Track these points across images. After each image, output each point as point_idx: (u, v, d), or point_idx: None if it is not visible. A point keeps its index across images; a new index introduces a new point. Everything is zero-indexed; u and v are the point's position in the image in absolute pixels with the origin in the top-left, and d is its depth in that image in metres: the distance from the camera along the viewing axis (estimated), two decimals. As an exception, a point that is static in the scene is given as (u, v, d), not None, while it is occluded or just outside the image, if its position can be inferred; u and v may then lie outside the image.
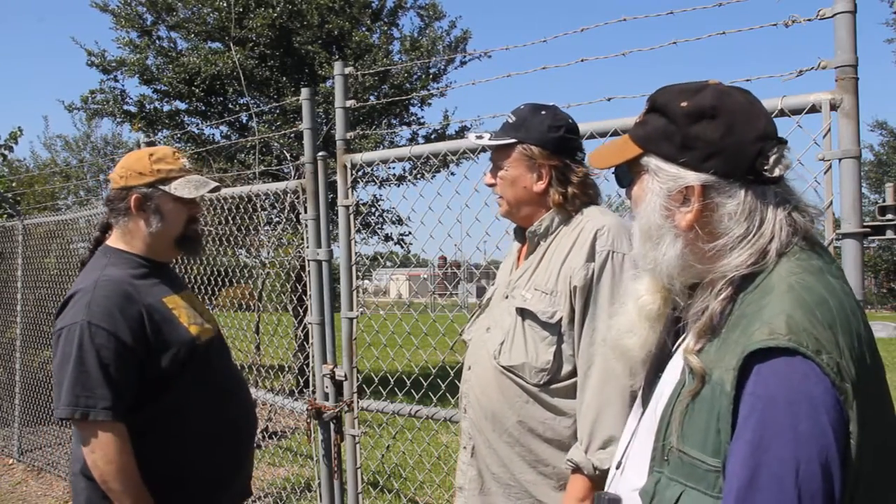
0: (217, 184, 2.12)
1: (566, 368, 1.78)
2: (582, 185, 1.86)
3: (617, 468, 1.30)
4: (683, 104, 1.10)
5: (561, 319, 1.78)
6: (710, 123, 1.08)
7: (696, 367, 1.04)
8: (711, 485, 1.01)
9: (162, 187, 2.04)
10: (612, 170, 1.25)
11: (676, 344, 1.22)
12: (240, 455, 2.11)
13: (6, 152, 8.11)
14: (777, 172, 1.07)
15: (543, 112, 1.89)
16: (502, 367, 1.83)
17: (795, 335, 0.95)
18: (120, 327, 1.88)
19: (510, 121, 1.91)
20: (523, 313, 1.83)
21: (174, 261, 2.82)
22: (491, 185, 1.96)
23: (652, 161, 1.13)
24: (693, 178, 1.08)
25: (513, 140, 1.88)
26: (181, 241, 2.11)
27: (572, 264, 1.78)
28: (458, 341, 2.84)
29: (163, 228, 2.06)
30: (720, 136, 1.07)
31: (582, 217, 1.85)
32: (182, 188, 2.05)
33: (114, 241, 2.11)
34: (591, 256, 1.75)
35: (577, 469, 1.72)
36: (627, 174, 1.20)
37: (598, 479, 1.67)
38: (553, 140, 1.84)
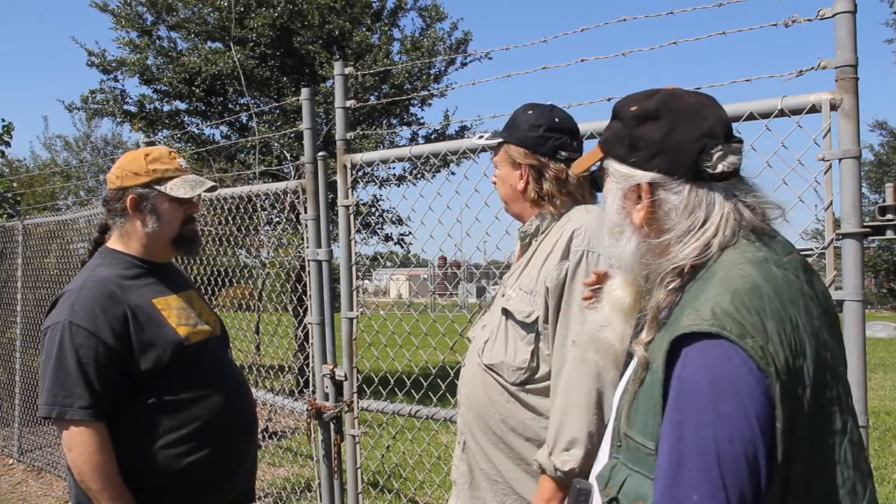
0: (214, 183, 2.13)
1: (544, 369, 1.79)
2: (557, 181, 1.86)
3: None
4: (633, 108, 1.18)
5: (537, 319, 1.79)
6: (653, 125, 1.15)
7: (640, 355, 1.12)
8: (651, 468, 1.05)
9: (158, 187, 2.04)
10: (589, 176, 1.34)
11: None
12: (236, 456, 2.10)
13: (2, 147, 8.09)
14: (720, 169, 1.12)
15: (531, 111, 1.91)
16: (485, 365, 1.87)
17: (719, 320, 0.99)
18: (101, 327, 1.88)
19: (509, 120, 1.94)
20: (506, 313, 1.86)
21: (177, 260, 2.82)
22: (494, 184, 2.02)
23: (610, 163, 1.21)
24: (641, 176, 1.15)
25: (499, 140, 1.92)
26: (178, 240, 2.11)
27: (550, 264, 1.80)
28: (458, 341, 2.84)
29: (159, 228, 2.07)
30: (662, 136, 1.13)
31: (568, 217, 1.86)
32: (178, 188, 2.05)
33: (112, 241, 2.12)
34: (565, 256, 1.77)
35: (543, 470, 1.73)
36: (601, 179, 1.28)
37: (562, 480, 1.69)
38: (531, 139, 1.87)
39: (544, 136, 1.86)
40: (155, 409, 1.94)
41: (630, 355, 1.27)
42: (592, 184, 1.34)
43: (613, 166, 1.20)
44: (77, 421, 1.84)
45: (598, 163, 1.26)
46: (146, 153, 2.08)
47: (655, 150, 1.13)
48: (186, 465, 1.95)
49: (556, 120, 1.89)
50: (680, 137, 1.12)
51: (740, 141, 1.15)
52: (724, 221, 1.11)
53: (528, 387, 1.80)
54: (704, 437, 0.96)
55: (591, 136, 2.31)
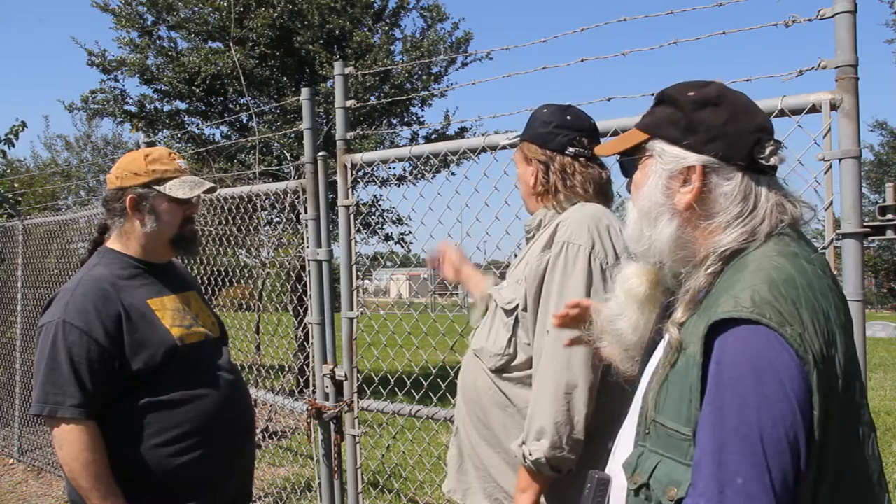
0: (213, 184, 2.13)
1: (521, 357, 1.82)
2: (562, 174, 1.88)
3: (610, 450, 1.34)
4: (690, 94, 1.20)
5: (517, 307, 1.82)
6: (714, 110, 1.17)
7: (674, 337, 1.12)
8: (685, 453, 1.05)
9: (157, 188, 2.05)
10: (618, 159, 1.33)
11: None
12: (230, 458, 2.10)
13: (6, 147, 8.08)
14: (772, 162, 1.15)
15: (545, 110, 1.95)
16: (472, 350, 1.93)
17: (758, 308, 1.00)
18: (94, 326, 1.89)
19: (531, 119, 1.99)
20: (495, 301, 1.91)
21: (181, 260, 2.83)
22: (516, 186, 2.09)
23: (657, 144, 1.21)
24: (695, 159, 1.16)
25: (517, 139, 1.99)
26: (176, 241, 2.12)
27: (533, 253, 1.83)
28: (458, 341, 2.84)
29: (158, 229, 2.07)
30: (723, 122, 1.16)
31: (566, 212, 1.88)
32: (177, 188, 2.06)
33: (111, 241, 2.13)
34: (548, 245, 1.79)
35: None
36: (632, 164, 1.27)
37: (534, 470, 1.71)
38: (541, 135, 1.90)
39: (553, 132, 1.89)
40: (147, 408, 1.95)
41: (652, 345, 1.27)
42: (621, 169, 1.33)
43: (662, 147, 1.20)
44: (68, 419, 1.85)
45: (632, 147, 1.25)
46: (146, 154, 2.09)
47: (714, 135, 1.15)
48: (178, 466, 1.95)
49: (568, 118, 1.91)
50: (740, 126, 1.15)
51: (781, 141, 1.19)
52: (770, 211, 1.13)
53: (504, 375, 1.84)
54: (748, 420, 0.96)
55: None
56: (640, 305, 1.27)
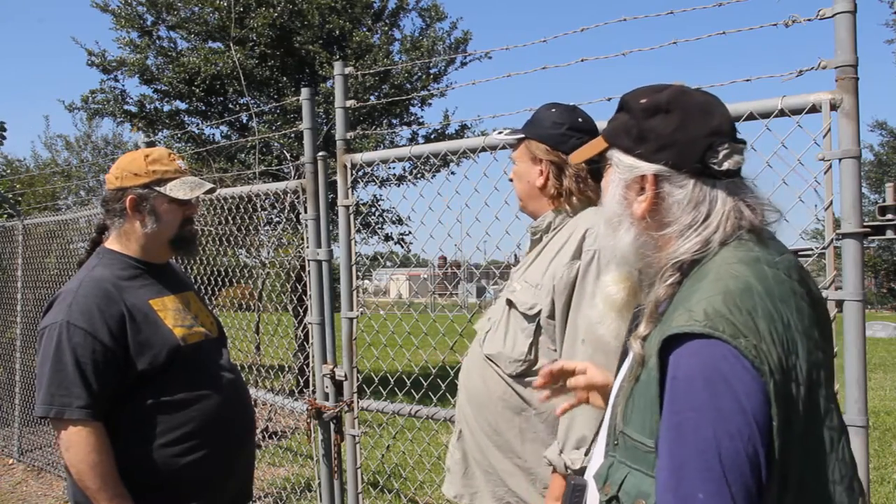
0: (212, 185, 2.13)
1: (542, 362, 1.80)
2: (577, 179, 1.87)
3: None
4: (643, 101, 1.18)
5: (540, 312, 1.80)
6: (664, 118, 1.15)
7: (636, 351, 1.11)
8: (651, 465, 1.05)
9: (157, 188, 2.05)
10: (589, 166, 1.35)
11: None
12: (231, 457, 2.10)
13: None
14: (726, 166, 1.12)
15: (554, 109, 1.93)
16: (486, 355, 1.89)
17: (711, 321, 0.99)
18: (98, 327, 1.89)
19: (529, 118, 1.97)
20: (510, 303, 1.88)
21: (178, 260, 2.83)
22: (511, 181, 2.02)
23: (614, 154, 1.21)
24: (646, 167, 1.15)
25: (520, 136, 1.93)
26: (176, 241, 2.12)
27: (560, 261, 1.81)
28: (458, 341, 2.84)
29: (158, 229, 2.07)
30: (672, 130, 1.14)
31: (579, 217, 1.87)
32: (178, 189, 2.05)
33: (110, 242, 2.13)
34: (577, 255, 1.78)
35: (554, 468, 1.75)
36: (600, 170, 1.28)
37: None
38: (554, 136, 1.88)
39: (567, 133, 1.88)
40: (152, 409, 1.94)
41: (625, 352, 1.27)
42: (594, 175, 1.33)
43: (618, 157, 1.20)
44: (75, 420, 1.84)
45: (597, 155, 1.26)
46: (146, 154, 2.09)
47: (664, 143, 1.14)
48: (183, 466, 1.95)
49: (580, 120, 1.90)
50: (690, 132, 1.13)
51: (744, 142, 1.16)
52: (725, 218, 1.11)
53: (526, 379, 1.81)
54: (704, 435, 0.96)
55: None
56: (619, 312, 1.27)
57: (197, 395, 2.01)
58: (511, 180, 2.02)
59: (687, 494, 0.96)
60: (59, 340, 1.88)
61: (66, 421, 1.85)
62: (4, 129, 8.02)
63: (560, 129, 1.87)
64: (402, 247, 10.87)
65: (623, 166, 1.18)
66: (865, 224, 1.92)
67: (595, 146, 1.27)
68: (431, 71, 10.32)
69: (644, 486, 1.06)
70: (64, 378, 1.86)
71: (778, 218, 1.18)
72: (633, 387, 1.11)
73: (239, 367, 2.33)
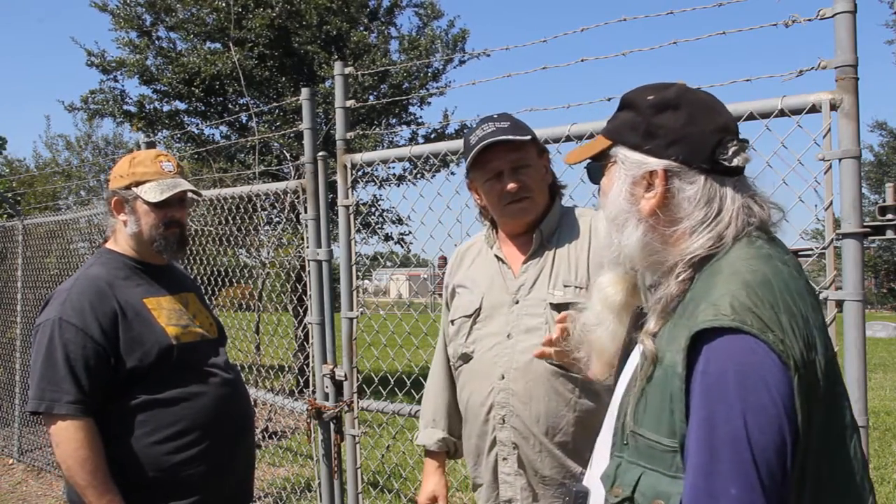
0: (188, 187, 2.13)
1: None
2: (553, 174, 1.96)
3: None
4: (650, 97, 1.18)
5: None
6: (673, 114, 1.15)
7: (649, 349, 1.10)
8: (669, 465, 1.04)
9: (135, 189, 2.08)
10: (585, 165, 1.32)
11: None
12: (226, 457, 2.10)
13: None
14: (736, 163, 1.13)
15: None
16: (556, 365, 1.79)
17: (739, 315, 0.99)
18: (90, 324, 1.91)
19: (508, 123, 1.91)
20: (561, 309, 1.76)
21: (180, 262, 2.84)
22: (519, 186, 1.89)
23: (619, 151, 1.20)
24: (656, 163, 1.14)
25: (528, 137, 1.89)
26: (156, 242, 2.11)
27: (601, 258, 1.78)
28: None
29: (137, 230, 2.10)
30: (682, 125, 1.14)
31: (572, 212, 1.89)
32: (150, 192, 2.07)
33: (109, 242, 2.18)
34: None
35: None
36: (598, 170, 1.27)
37: None
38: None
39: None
40: (143, 406, 1.96)
41: (627, 352, 1.26)
42: (588, 175, 1.32)
43: (624, 153, 1.19)
44: (64, 416, 1.86)
45: (597, 153, 1.25)
46: (133, 156, 2.14)
47: (674, 138, 1.13)
48: (174, 464, 1.96)
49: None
50: (700, 128, 1.13)
51: (747, 141, 1.17)
52: (735, 214, 1.11)
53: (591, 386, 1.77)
54: (736, 429, 0.96)
55: (591, 136, 2.30)
56: (618, 314, 1.26)
57: (189, 393, 2.01)
58: (519, 185, 1.89)
59: (720, 488, 0.96)
60: (51, 336, 1.90)
61: (55, 416, 1.87)
62: (5, 143, 8.04)
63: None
64: (402, 247, 10.87)
65: (630, 163, 1.17)
66: (865, 224, 1.92)
67: (595, 145, 1.25)
68: (430, 70, 10.32)
69: (662, 485, 1.04)
70: (54, 374, 1.87)
71: (782, 217, 1.18)
72: (644, 386, 1.09)
73: (239, 367, 2.33)
